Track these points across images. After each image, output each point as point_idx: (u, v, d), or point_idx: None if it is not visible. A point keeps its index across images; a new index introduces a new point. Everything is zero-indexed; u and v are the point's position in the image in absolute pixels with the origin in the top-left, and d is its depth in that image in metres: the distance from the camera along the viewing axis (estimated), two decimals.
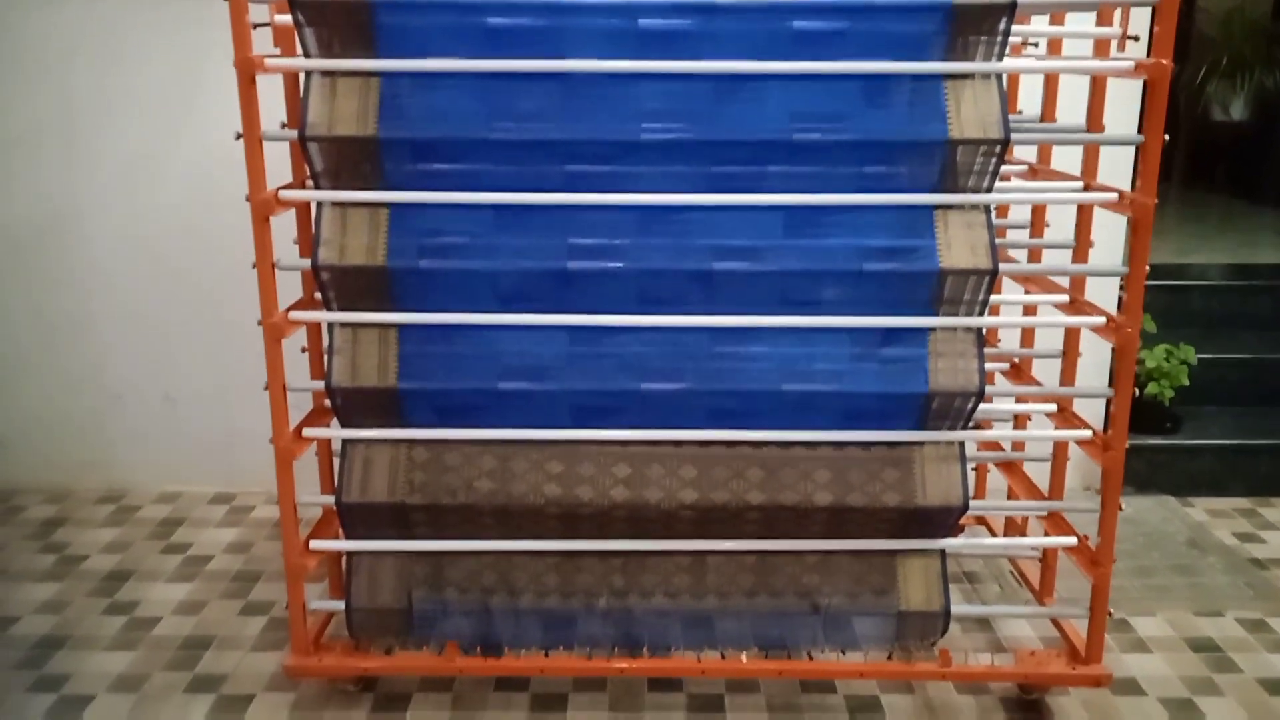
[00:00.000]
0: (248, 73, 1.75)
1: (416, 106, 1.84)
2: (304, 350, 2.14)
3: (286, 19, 1.83)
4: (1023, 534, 2.55)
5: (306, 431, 1.99)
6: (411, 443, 1.99)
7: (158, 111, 2.83)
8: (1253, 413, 3.34)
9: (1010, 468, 2.36)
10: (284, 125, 2.03)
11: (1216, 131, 5.97)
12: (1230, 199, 5.67)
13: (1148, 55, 1.81)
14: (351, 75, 1.84)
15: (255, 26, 1.83)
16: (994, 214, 1.93)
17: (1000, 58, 1.84)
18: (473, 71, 1.82)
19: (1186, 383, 3.07)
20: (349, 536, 2.03)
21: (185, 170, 2.87)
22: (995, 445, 2.45)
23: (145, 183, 2.88)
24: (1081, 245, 2.12)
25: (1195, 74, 5.85)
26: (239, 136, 1.80)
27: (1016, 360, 2.39)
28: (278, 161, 1.92)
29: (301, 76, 1.89)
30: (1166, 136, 1.80)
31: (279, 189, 1.88)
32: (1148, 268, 1.86)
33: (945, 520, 2.01)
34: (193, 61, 2.77)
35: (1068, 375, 2.16)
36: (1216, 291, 3.70)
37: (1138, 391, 1.84)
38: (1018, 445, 2.42)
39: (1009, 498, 2.54)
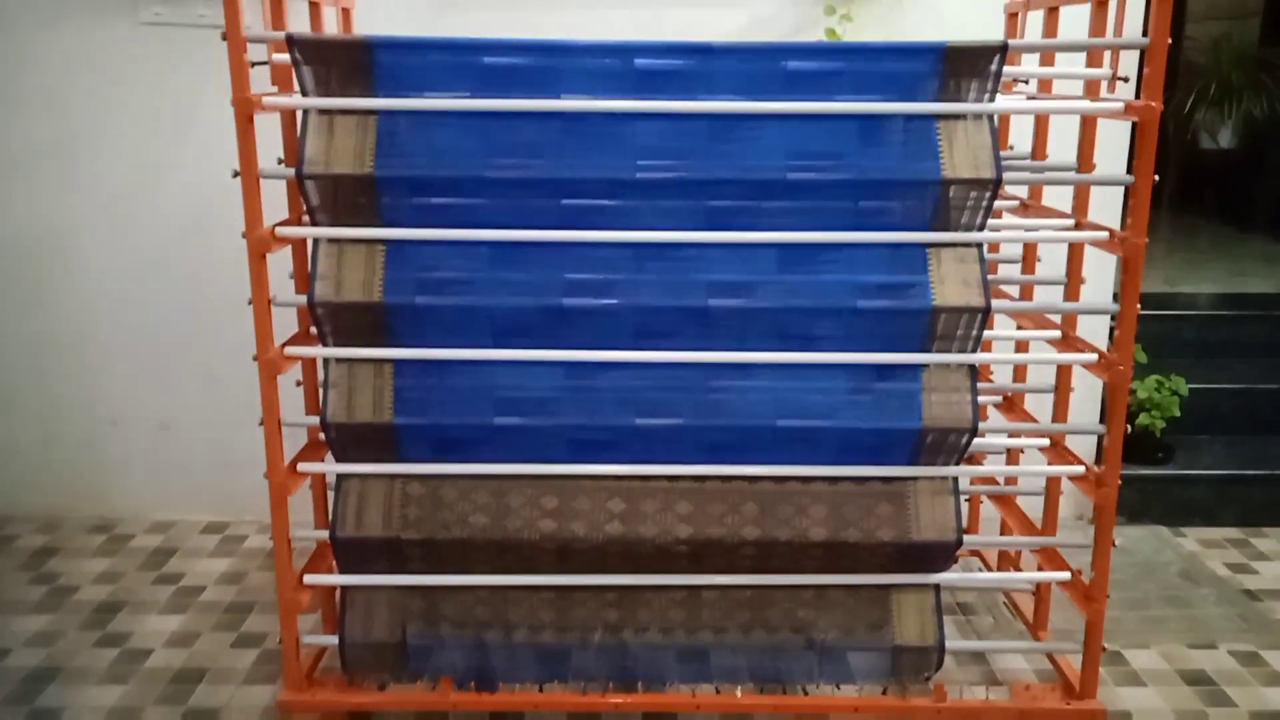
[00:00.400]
0: (245, 112, 1.77)
1: (414, 144, 1.86)
2: (299, 384, 2.14)
3: (284, 57, 1.84)
4: (1016, 566, 2.55)
5: (301, 466, 2.00)
6: (406, 478, 1.99)
7: (155, 136, 2.84)
8: (1245, 442, 3.35)
9: (1003, 500, 2.37)
10: (280, 161, 2.04)
11: (1205, 159, 6.01)
12: (1219, 226, 5.71)
13: (1137, 96, 1.84)
14: (349, 113, 1.85)
15: (253, 65, 1.84)
16: (986, 251, 1.94)
17: (993, 97, 1.86)
18: (470, 110, 1.83)
19: (1178, 414, 3.09)
20: (343, 571, 2.03)
21: (183, 195, 2.87)
22: (989, 478, 2.46)
23: (142, 207, 2.89)
24: (1073, 281, 2.14)
25: (1184, 101, 5.90)
26: (236, 174, 1.81)
27: (1009, 394, 2.40)
28: (274, 194, 1.92)
29: (299, 114, 1.90)
30: (1156, 177, 1.82)
31: (275, 226, 1.89)
32: (1138, 306, 1.88)
33: (939, 555, 2.02)
34: (191, 87, 2.78)
35: (1060, 410, 2.17)
36: (1207, 321, 3.72)
37: (1129, 427, 1.85)
38: (1010, 479, 2.43)
39: (1002, 531, 2.55)
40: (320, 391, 1.97)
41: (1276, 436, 3.40)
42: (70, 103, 2.82)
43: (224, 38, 1.76)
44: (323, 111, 1.85)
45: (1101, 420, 3.03)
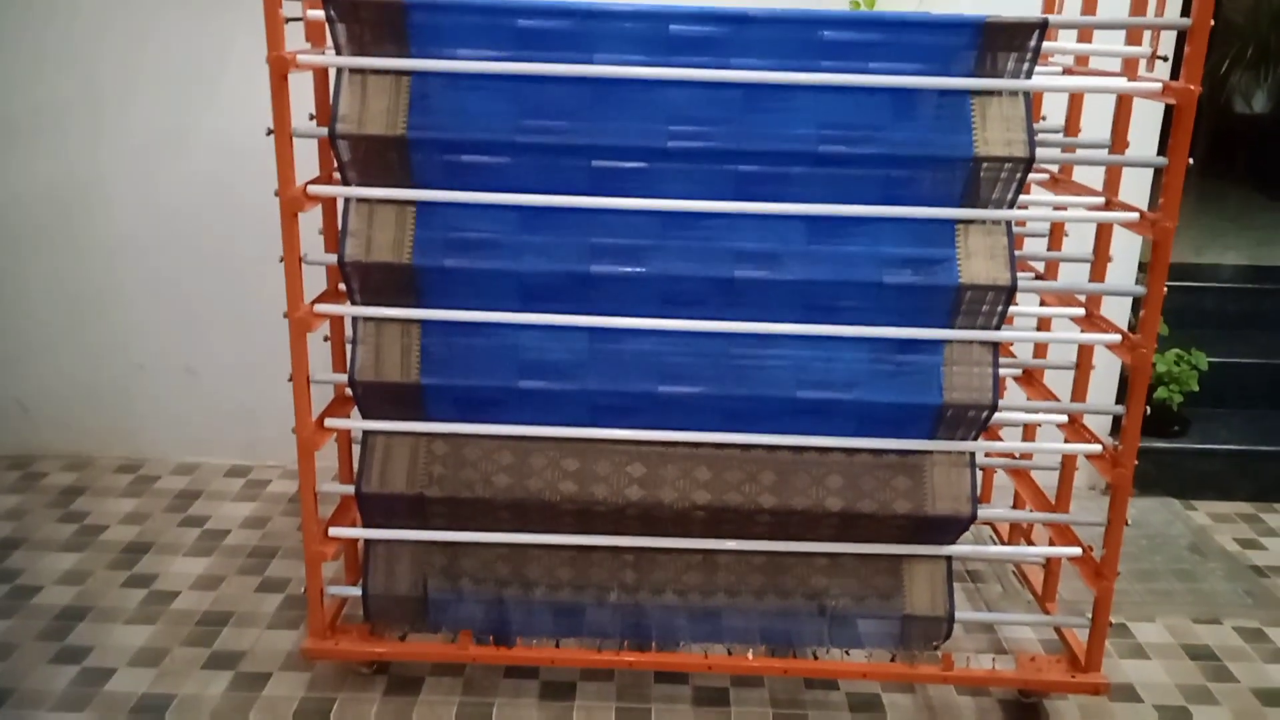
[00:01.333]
0: (280, 70, 1.77)
1: (446, 106, 1.86)
2: (326, 339, 2.17)
3: (319, 14, 1.84)
4: (1028, 536, 2.58)
5: (328, 422, 2.03)
6: (431, 436, 2.02)
7: (184, 88, 2.84)
8: (1264, 416, 3.35)
9: (1018, 474, 2.39)
10: (312, 117, 2.04)
11: (1236, 123, 5.92)
12: (1249, 192, 5.63)
13: (1173, 76, 1.82)
14: (382, 73, 1.85)
15: (287, 21, 1.84)
16: (1014, 226, 1.94)
17: (1029, 74, 1.84)
18: (502, 73, 1.83)
19: (1196, 388, 3.09)
20: (367, 525, 2.07)
21: (211, 146, 2.88)
22: (1006, 453, 2.48)
23: (170, 158, 2.90)
24: (1100, 260, 2.13)
25: (1219, 63, 5.79)
26: (270, 132, 1.82)
27: (1029, 370, 2.41)
28: (304, 151, 1.93)
29: (331, 72, 1.90)
30: (1191, 160, 1.81)
31: (307, 184, 1.90)
32: (1165, 289, 1.88)
33: (953, 529, 2.04)
34: (220, 40, 2.77)
35: (1080, 387, 2.18)
36: (1230, 293, 3.70)
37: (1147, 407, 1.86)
38: (1026, 455, 2.45)
39: (1015, 504, 2.58)
40: (349, 349, 1.99)
41: None
42: (100, 55, 2.82)
43: None
44: (356, 70, 1.85)
45: (1120, 399, 3.05)
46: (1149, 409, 2.97)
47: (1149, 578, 2.70)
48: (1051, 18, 1.80)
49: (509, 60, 1.83)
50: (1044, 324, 2.32)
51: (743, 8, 1.82)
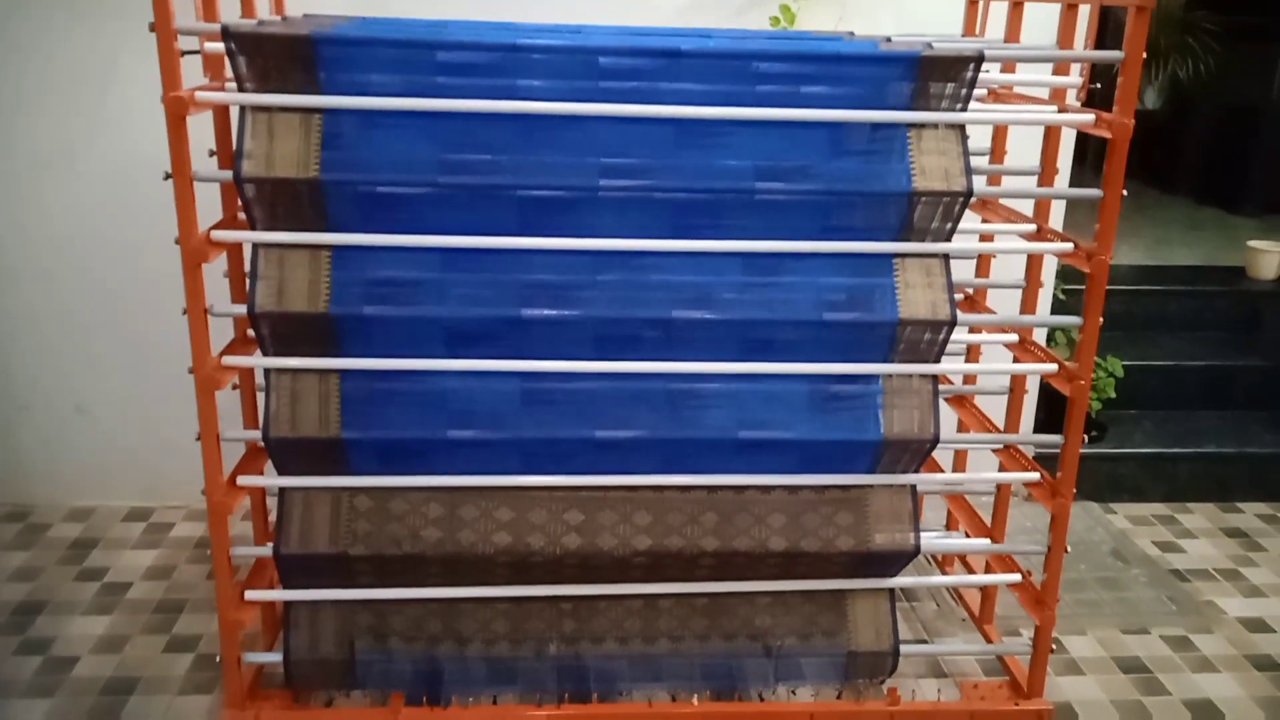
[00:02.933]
0: (178, 111, 1.63)
1: (362, 146, 1.74)
2: (235, 388, 2.03)
3: (219, 46, 1.70)
4: (965, 561, 2.58)
5: (241, 480, 1.90)
6: (354, 490, 1.91)
7: (70, 102, 2.63)
8: (1173, 418, 3.44)
9: (956, 500, 2.38)
10: (212, 154, 1.90)
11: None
12: (1141, 187, 5.80)
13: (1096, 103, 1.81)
14: (291, 111, 1.72)
15: (184, 54, 1.70)
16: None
17: (965, 106, 1.81)
18: (421, 110, 1.72)
19: (1113, 395, 3.15)
20: (286, 586, 1.94)
21: (99, 165, 2.67)
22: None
23: (54, 179, 2.68)
24: (1031, 286, 2.13)
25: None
26: (167, 177, 1.67)
27: (963, 396, 2.40)
28: (207, 187, 1.78)
29: (234, 109, 1.76)
30: (1125, 192, 1.81)
31: (211, 230, 1.76)
32: (1100, 320, 1.87)
33: (897, 562, 2.02)
34: (109, 47, 2.56)
35: (1014, 413, 2.17)
36: (1134, 295, 3.77)
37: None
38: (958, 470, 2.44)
39: (948, 525, 2.57)
40: (261, 399, 1.86)
41: (1201, 412, 3.49)
42: None
43: (152, 29, 1.61)
44: (261, 109, 1.72)
45: (1043, 410, 3.08)
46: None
47: (1077, 587, 2.73)
48: (986, 50, 1.77)
49: (428, 96, 1.72)
50: (975, 352, 2.30)
51: (674, 42, 1.74)
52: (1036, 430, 3.09)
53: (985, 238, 2.25)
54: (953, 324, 1.87)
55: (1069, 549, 1.99)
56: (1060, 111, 1.90)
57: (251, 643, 2.21)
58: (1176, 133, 5.80)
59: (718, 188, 1.81)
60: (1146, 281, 3.88)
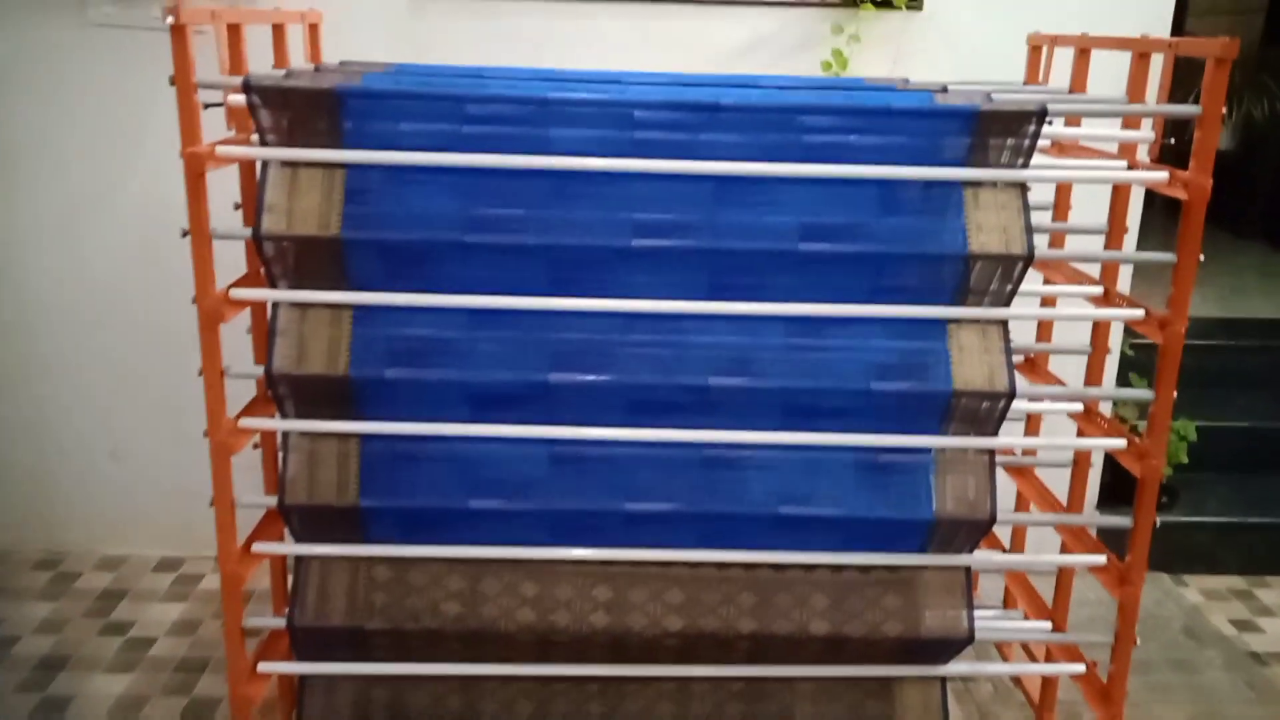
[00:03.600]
0: (196, 168, 1.57)
1: (386, 203, 1.66)
2: (256, 447, 1.96)
3: (242, 99, 1.64)
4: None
5: (257, 547, 1.82)
6: (372, 560, 1.82)
7: (108, 146, 2.61)
8: (1249, 483, 3.23)
9: (1014, 576, 2.23)
10: (238, 207, 1.84)
11: None
12: (1213, 231, 5.56)
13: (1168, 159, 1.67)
14: (314, 166, 1.65)
15: (206, 107, 1.64)
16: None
17: (1026, 163, 1.69)
18: (449, 166, 1.64)
19: (1185, 460, 2.96)
20: (301, 659, 1.86)
21: (134, 210, 2.65)
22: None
23: (90, 224, 2.66)
24: (1098, 352, 1.99)
25: (1183, 99, 5.74)
26: (185, 234, 1.61)
27: (1024, 467, 2.25)
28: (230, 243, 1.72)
29: (258, 162, 1.70)
30: (1202, 258, 1.67)
31: (230, 288, 1.70)
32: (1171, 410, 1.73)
33: (948, 650, 1.88)
34: (146, 93, 2.55)
35: (1077, 490, 2.02)
36: (1206, 350, 3.56)
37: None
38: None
39: (1005, 604, 2.42)
40: (279, 463, 1.79)
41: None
42: (13, 109, 2.59)
43: (172, 82, 1.55)
44: (285, 163, 1.65)
45: (1107, 485, 2.91)
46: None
47: (1145, 669, 2.55)
48: (1050, 104, 1.65)
49: (456, 151, 1.64)
50: (1035, 416, 2.16)
51: (714, 95, 1.65)
52: (1103, 497, 2.91)
53: (1048, 301, 2.11)
54: (1012, 395, 1.74)
55: (1138, 625, 1.83)
56: (1130, 168, 1.77)
57: (270, 710, 2.13)
58: (1250, 175, 5.57)
59: (759, 246, 1.71)
60: (1220, 335, 3.67)
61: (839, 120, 1.67)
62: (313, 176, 1.66)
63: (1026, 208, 1.71)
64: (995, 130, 1.66)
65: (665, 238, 1.69)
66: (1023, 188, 1.71)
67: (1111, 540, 1.89)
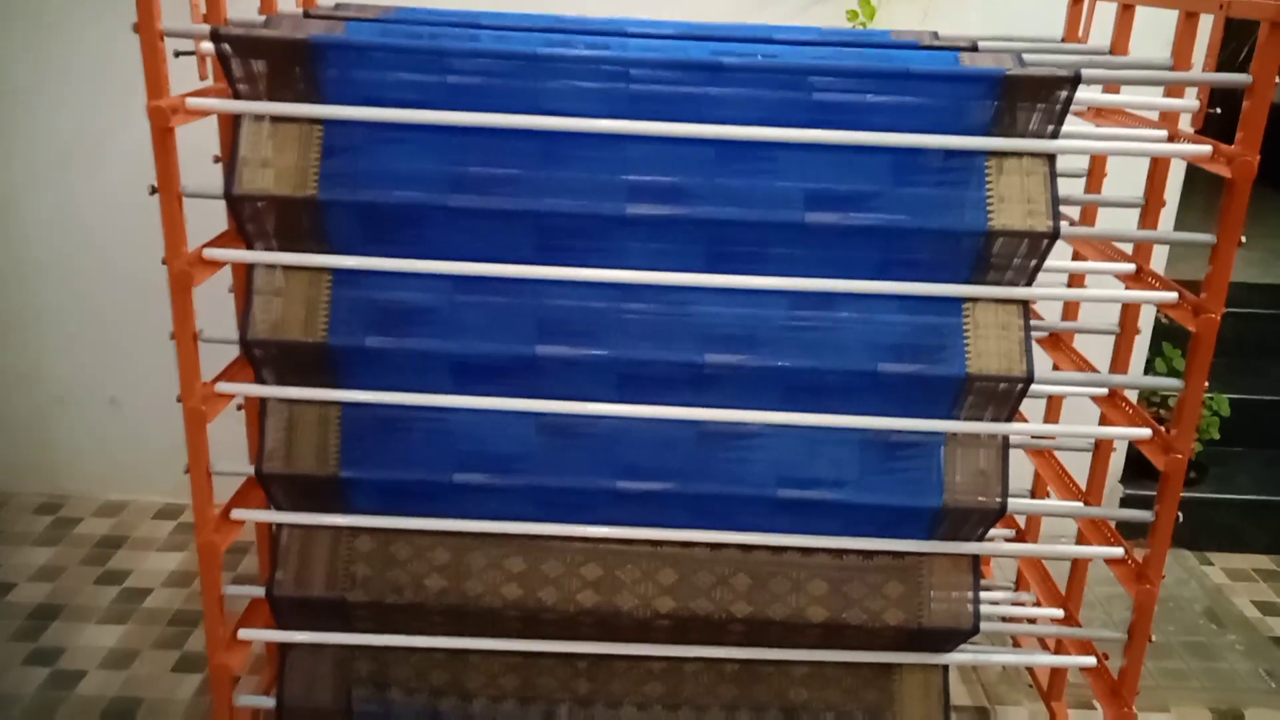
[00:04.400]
0: (162, 122, 1.47)
1: (366, 161, 1.57)
2: (240, 408, 1.89)
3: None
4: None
5: (236, 513, 1.76)
6: (354, 531, 1.76)
7: (100, 90, 2.52)
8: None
9: (1030, 564, 2.14)
10: (217, 160, 1.75)
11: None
12: (1255, 187, 5.33)
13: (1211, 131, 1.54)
14: (289, 121, 1.56)
15: (178, 55, 1.55)
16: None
17: (1056, 132, 1.56)
18: (434, 124, 1.54)
19: (1217, 436, 2.84)
20: (281, 628, 1.81)
21: (132, 153, 2.56)
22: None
23: (87, 168, 2.59)
24: (1127, 334, 1.87)
25: (1229, 58, 5.45)
26: (153, 191, 1.53)
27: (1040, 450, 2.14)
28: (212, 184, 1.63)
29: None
30: (1243, 239, 1.54)
31: (203, 248, 1.62)
32: (1205, 383, 1.61)
33: (951, 640, 1.80)
34: (134, 38, 2.44)
35: (1096, 478, 1.92)
36: (1245, 319, 3.40)
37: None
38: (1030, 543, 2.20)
39: (1018, 586, 2.33)
40: (260, 430, 1.72)
41: None
42: (2, 59, 2.50)
43: (136, 29, 1.46)
44: (258, 118, 1.56)
45: (1129, 477, 2.79)
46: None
47: (1162, 654, 2.46)
48: (1085, 69, 1.51)
49: (441, 107, 1.54)
50: (1056, 398, 2.05)
51: (719, 53, 1.52)
52: (1126, 476, 2.80)
53: (1075, 278, 1.98)
54: (1029, 381, 1.63)
55: (1157, 606, 1.73)
56: (1170, 140, 1.63)
57: (253, 675, 2.10)
58: None
59: (762, 214, 1.59)
60: (1257, 302, 3.49)
61: (851, 82, 1.54)
62: (288, 133, 1.56)
63: (1054, 179, 1.59)
64: (1024, 96, 1.53)
65: (662, 203, 1.58)
66: (1051, 159, 1.59)
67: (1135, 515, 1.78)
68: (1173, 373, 2.97)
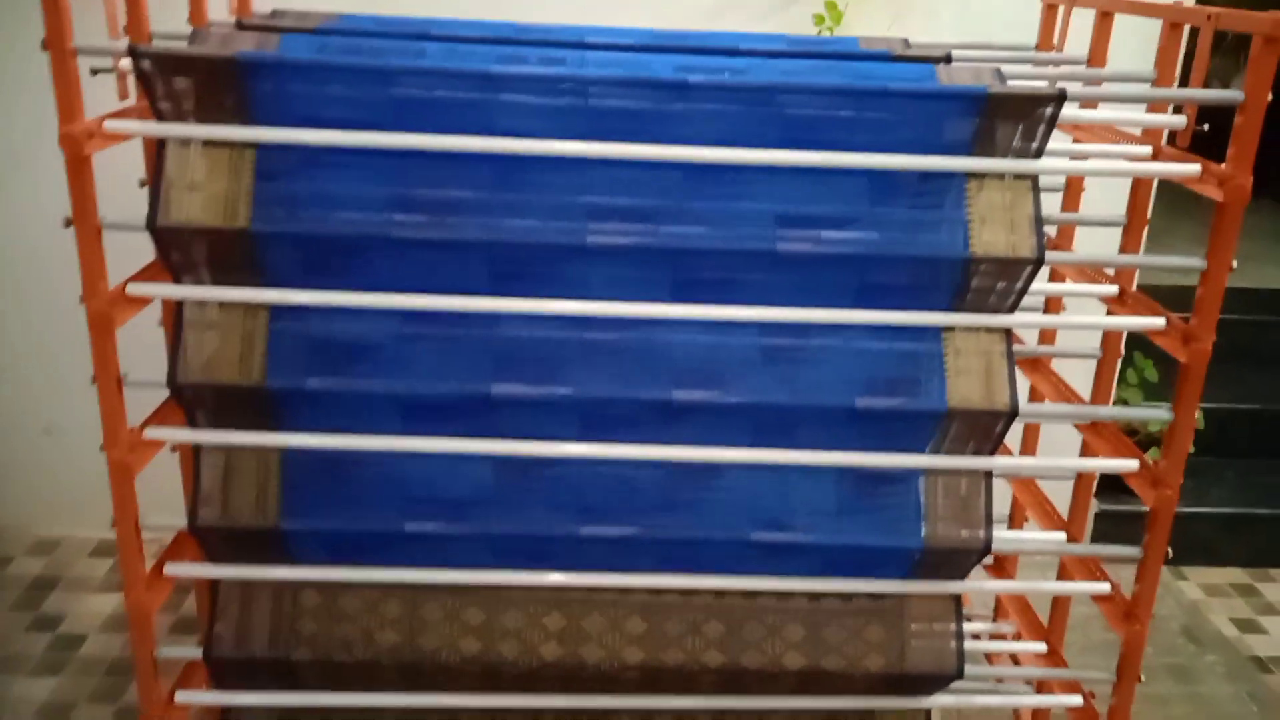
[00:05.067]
0: (77, 151, 1.34)
1: (304, 188, 1.44)
2: (174, 450, 1.76)
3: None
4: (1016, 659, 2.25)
5: (170, 569, 1.63)
6: (299, 585, 1.64)
7: (28, 103, 2.38)
8: (1258, 470, 3.06)
9: (1015, 600, 2.06)
10: (143, 184, 1.62)
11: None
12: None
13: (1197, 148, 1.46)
14: (219, 146, 1.43)
15: (94, 72, 1.42)
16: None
17: (1039, 152, 1.47)
18: (377, 148, 1.42)
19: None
20: (221, 690, 1.69)
21: (58, 177, 2.41)
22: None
23: (15, 186, 2.44)
24: (1109, 357, 1.79)
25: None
26: (68, 224, 1.40)
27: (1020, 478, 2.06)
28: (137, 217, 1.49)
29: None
30: (1234, 265, 1.47)
31: (127, 282, 1.49)
32: (1195, 416, 1.54)
33: (934, 685, 1.71)
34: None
35: (1078, 509, 1.84)
36: (1222, 326, 3.35)
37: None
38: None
39: (997, 616, 2.25)
40: (194, 478, 1.59)
41: None
42: None
43: (44, 47, 1.33)
44: (184, 142, 1.43)
45: (1123, 487, 2.72)
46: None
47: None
48: (1069, 85, 1.43)
49: (384, 129, 1.42)
50: (1033, 431, 1.97)
51: (682, 74, 1.42)
52: (1100, 489, 2.73)
53: (1053, 303, 1.90)
54: (1013, 415, 1.54)
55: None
56: (1155, 159, 1.55)
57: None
58: (1273, 127, 5.28)
59: (731, 239, 1.49)
60: (1233, 308, 3.42)
61: (825, 100, 1.45)
62: (218, 157, 1.44)
63: (1038, 200, 1.50)
64: (1006, 114, 1.44)
65: (625, 228, 1.48)
66: (1033, 180, 1.50)
67: (1110, 524, 1.71)
68: (1145, 384, 2.92)
